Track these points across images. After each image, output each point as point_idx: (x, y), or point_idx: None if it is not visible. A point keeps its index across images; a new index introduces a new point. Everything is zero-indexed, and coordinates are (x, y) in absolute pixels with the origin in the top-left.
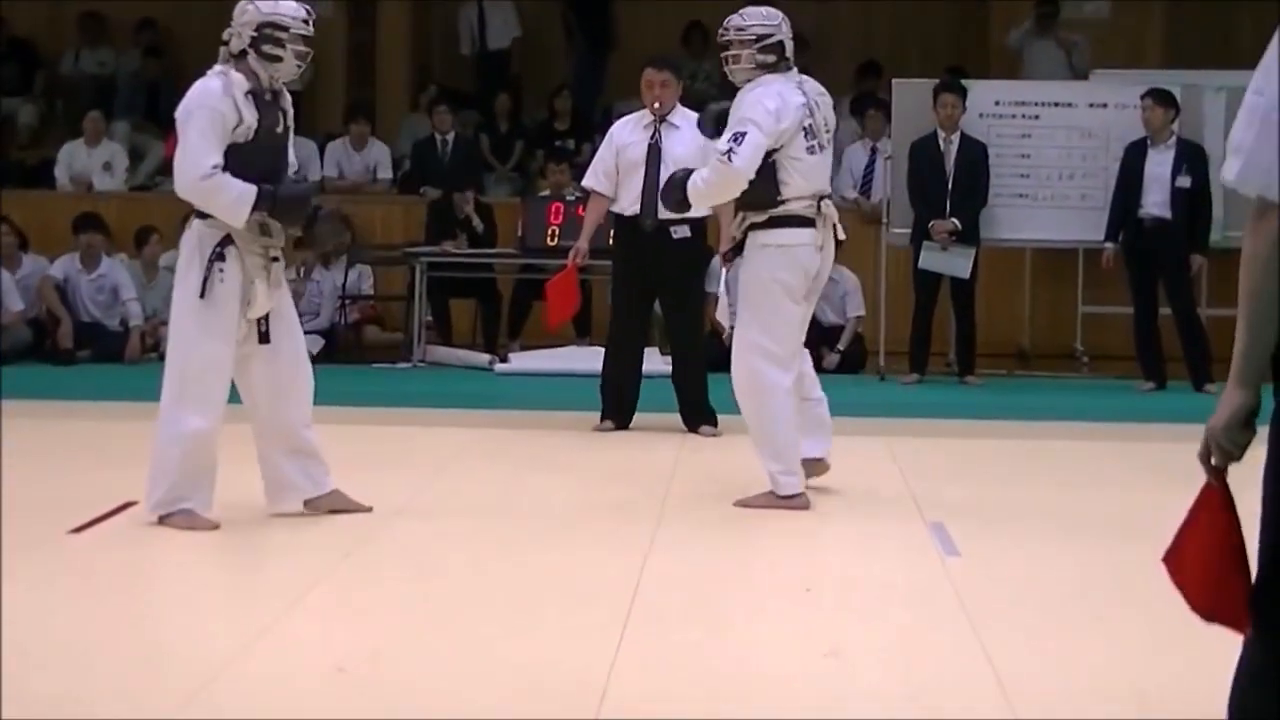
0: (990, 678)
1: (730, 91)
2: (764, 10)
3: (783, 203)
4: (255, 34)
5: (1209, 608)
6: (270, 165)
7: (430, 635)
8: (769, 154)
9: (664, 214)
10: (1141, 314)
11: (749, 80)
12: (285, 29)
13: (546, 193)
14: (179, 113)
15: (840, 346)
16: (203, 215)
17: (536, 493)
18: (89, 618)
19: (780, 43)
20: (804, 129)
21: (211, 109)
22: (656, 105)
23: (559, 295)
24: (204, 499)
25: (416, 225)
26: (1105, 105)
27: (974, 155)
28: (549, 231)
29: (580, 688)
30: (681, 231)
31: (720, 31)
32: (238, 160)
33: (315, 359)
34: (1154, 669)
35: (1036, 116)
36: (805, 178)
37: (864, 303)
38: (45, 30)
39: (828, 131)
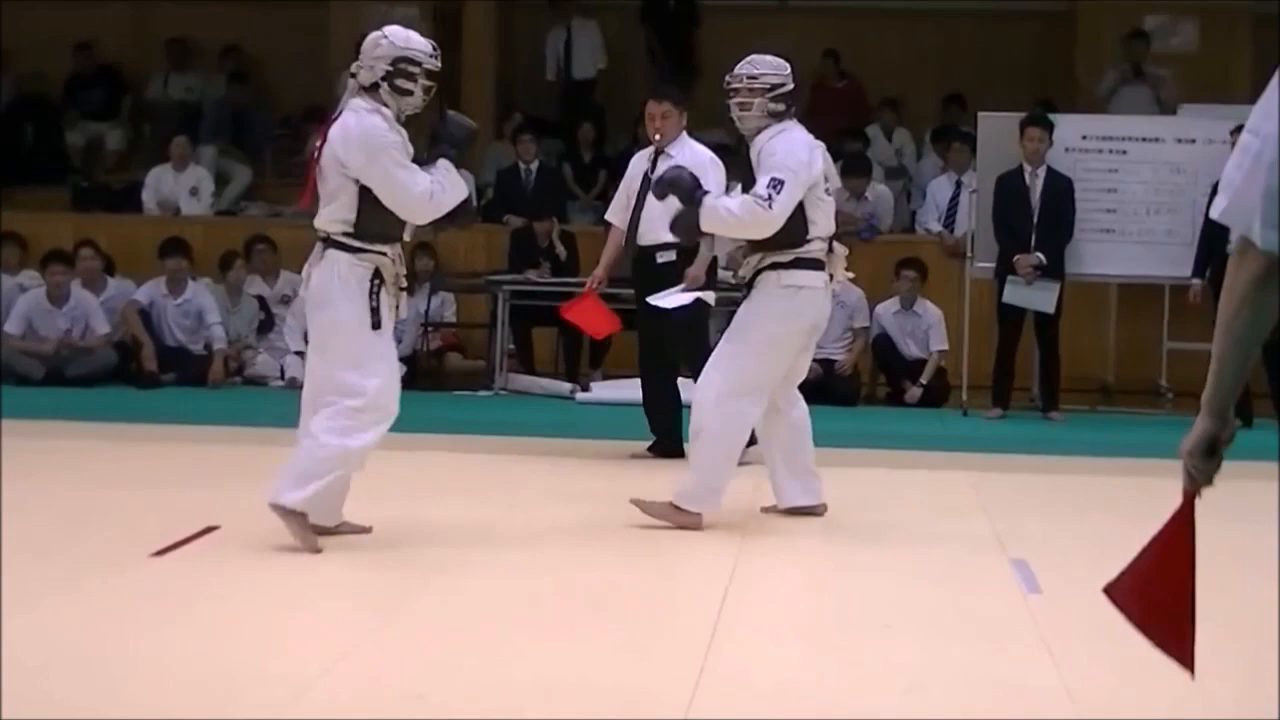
0: (1072, 716)
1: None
2: (772, 59)
3: (808, 243)
4: (390, 68)
5: (1143, 622)
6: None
7: (511, 662)
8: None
9: (643, 240)
10: None
11: (759, 128)
12: (418, 64)
13: None
14: (359, 160)
15: (923, 380)
16: (345, 248)
17: (616, 520)
18: (168, 640)
19: (791, 92)
20: (823, 175)
21: (394, 141)
22: (657, 136)
23: (582, 318)
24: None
25: (499, 253)
26: (1193, 140)
27: (1059, 189)
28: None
29: (660, 714)
30: (665, 256)
31: (727, 80)
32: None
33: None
34: (1241, 708)
35: (1124, 151)
36: (825, 219)
37: (947, 336)
38: (132, 55)
39: (827, 180)
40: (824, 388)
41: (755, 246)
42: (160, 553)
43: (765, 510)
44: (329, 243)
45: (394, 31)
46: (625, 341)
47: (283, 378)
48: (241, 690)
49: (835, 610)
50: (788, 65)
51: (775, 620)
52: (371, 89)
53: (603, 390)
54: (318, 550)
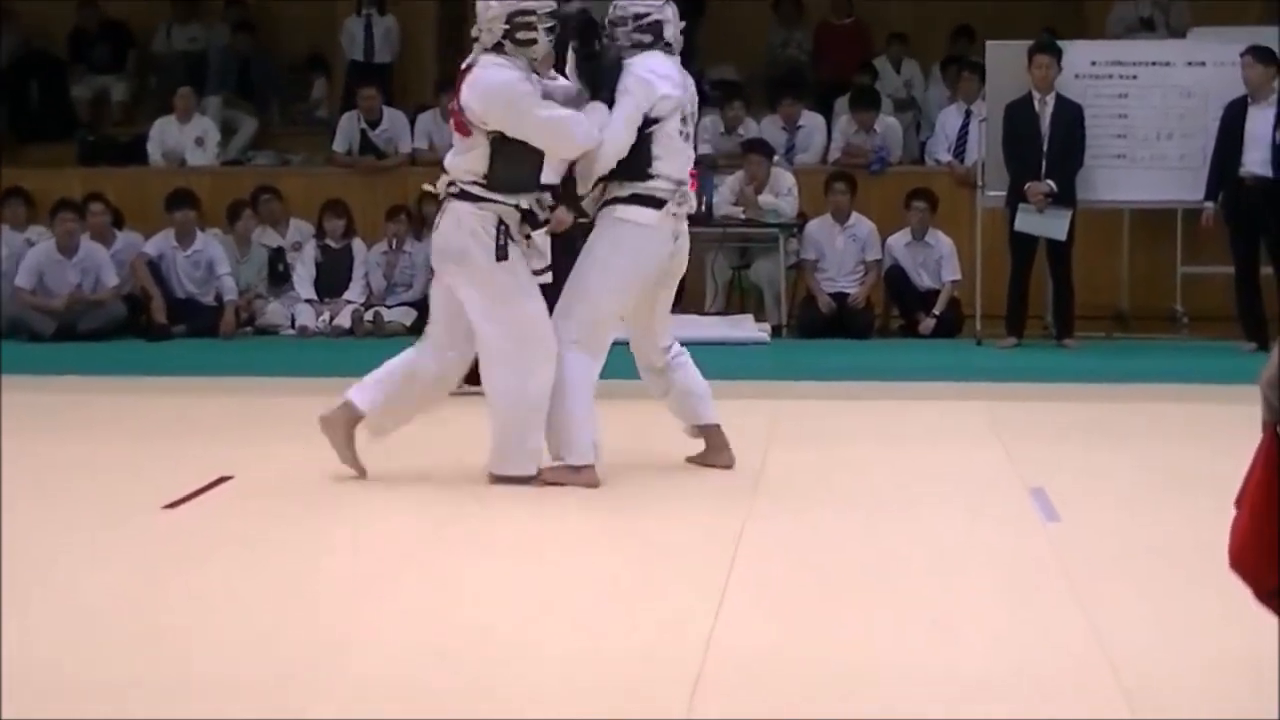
0: (1095, 645)
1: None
2: None
3: (651, 178)
4: (507, 25)
5: (1234, 557)
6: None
7: (533, 618)
8: (643, 126)
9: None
10: (1242, 274)
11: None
12: (533, 12)
13: None
14: (498, 112)
15: (936, 311)
16: (469, 198)
17: (626, 458)
18: (182, 590)
19: (658, 23)
20: (681, 113)
21: (528, 90)
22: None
23: None
24: (526, 464)
25: None
26: (1204, 64)
27: (1070, 116)
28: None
29: (679, 658)
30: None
31: (609, 10)
32: (519, 142)
33: (408, 330)
34: (1267, 631)
35: (1134, 76)
36: (675, 159)
37: (959, 266)
38: (137, 8)
39: (694, 121)
40: (838, 321)
41: (602, 178)
42: (173, 504)
43: (689, 460)
44: (453, 194)
45: None
46: None
47: (293, 326)
48: (264, 645)
49: (853, 547)
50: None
51: (794, 558)
52: (496, 48)
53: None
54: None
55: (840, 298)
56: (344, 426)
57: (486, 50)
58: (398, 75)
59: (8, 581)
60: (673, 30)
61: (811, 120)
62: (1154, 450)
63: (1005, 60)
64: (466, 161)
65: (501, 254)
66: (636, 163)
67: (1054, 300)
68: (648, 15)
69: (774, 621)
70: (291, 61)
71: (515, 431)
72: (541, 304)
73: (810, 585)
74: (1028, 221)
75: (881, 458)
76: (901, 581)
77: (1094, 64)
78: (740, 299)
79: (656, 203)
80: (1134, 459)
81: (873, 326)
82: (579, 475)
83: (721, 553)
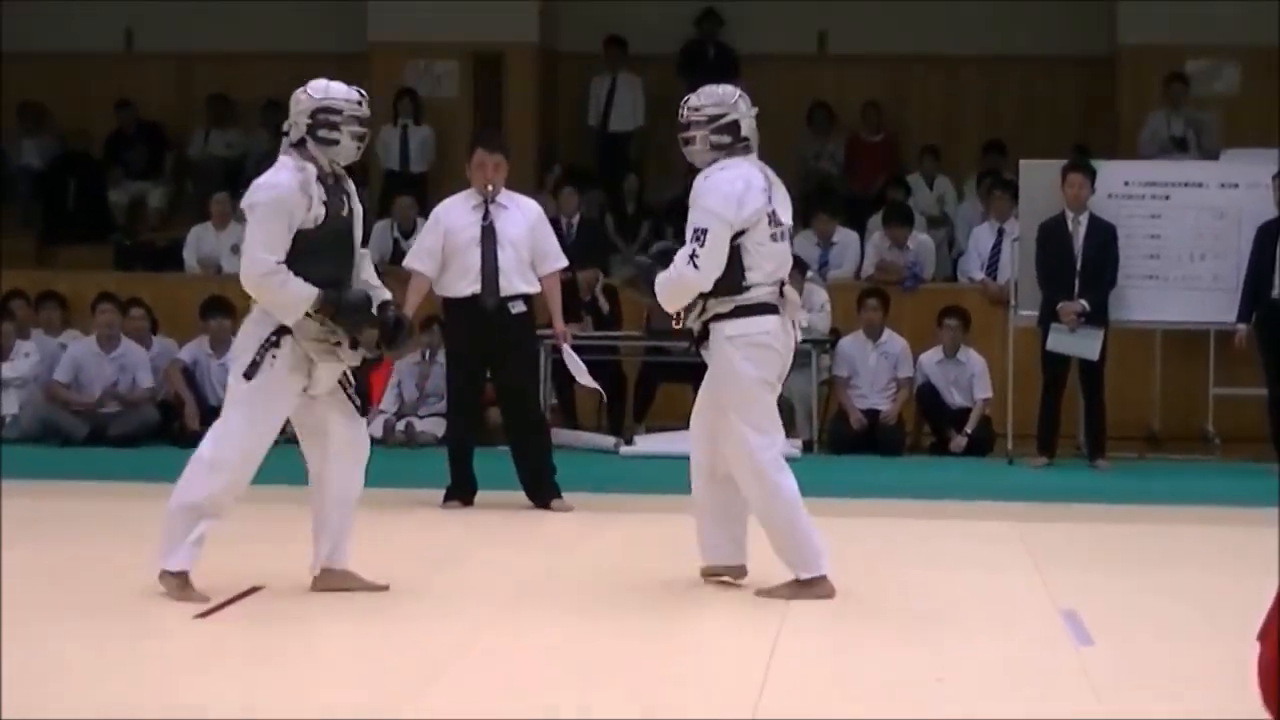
0: None
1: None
2: (721, 89)
3: (747, 289)
4: (310, 120)
5: (1265, 694)
6: (337, 250)
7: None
8: (734, 238)
9: (504, 292)
10: (1275, 395)
11: (706, 163)
12: (339, 111)
13: None
14: (244, 204)
15: (968, 429)
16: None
17: (661, 573)
18: (212, 701)
19: (735, 123)
20: (768, 215)
21: (277, 201)
22: (489, 187)
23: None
24: (177, 558)
25: (541, 307)
26: (1237, 185)
27: (1103, 236)
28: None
29: None
30: (518, 307)
31: (679, 113)
32: (305, 247)
33: (440, 441)
34: None
35: (1167, 197)
36: (771, 263)
37: (991, 385)
38: (174, 113)
39: (789, 220)
40: (869, 437)
41: (699, 295)
42: (204, 614)
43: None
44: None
45: (314, 84)
46: (668, 394)
47: None
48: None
49: (884, 665)
50: (736, 94)
51: (823, 676)
52: (299, 145)
53: (647, 443)
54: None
55: (872, 414)
56: (339, 578)
57: (291, 148)
58: (433, 183)
59: (37, 688)
60: (749, 125)
61: (845, 236)
62: (1187, 574)
63: (1039, 179)
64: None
65: (251, 371)
66: (731, 277)
67: (1086, 420)
68: (724, 116)
69: None
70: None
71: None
72: (267, 438)
73: (841, 707)
74: (1060, 341)
75: (912, 576)
76: (934, 702)
77: (1127, 184)
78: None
79: (767, 309)
80: (1166, 582)
81: (904, 444)
82: (812, 587)
83: (753, 673)
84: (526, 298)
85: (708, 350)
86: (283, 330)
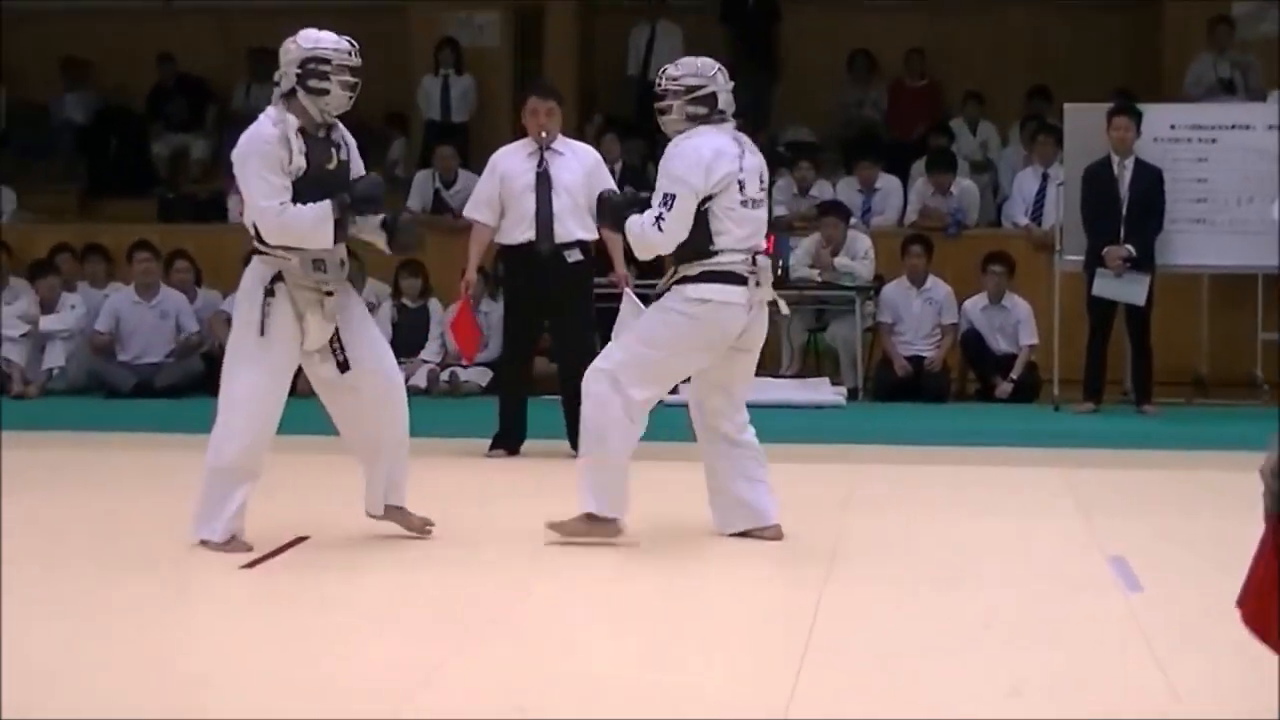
0: (1180, 715)
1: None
2: (699, 61)
3: (715, 254)
4: (300, 70)
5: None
6: (317, 201)
7: (611, 672)
8: (702, 204)
9: (559, 238)
10: None
11: (677, 132)
12: (328, 61)
13: None
14: (234, 158)
15: (1013, 376)
16: (260, 251)
17: (699, 522)
18: (260, 652)
19: (714, 95)
20: (739, 182)
21: (263, 150)
22: (543, 134)
23: (462, 332)
24: (215, 528)
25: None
26: None
27: (1149, 180)
28: None
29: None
30: (574, 255)
31: (656, 82)
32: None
33: (485, 390)
34: None
35: (1213, 140)
36: (742, 229)
37: (1037, 331)
38: (215, 67)
39: (763, 189)
40: (914, 384)
41: (669, 257)
42: (251, 565)
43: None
44: (253, 248)
45: (303, 34)
46: None
47: None
48: (338, 702)
49: (930, 612)
50: (715, 66)
51: (871, 625)
52: (290, 95)
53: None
54: (248, 548)
55: (917, 361)
56: (400, 517)
57: (281, 99)
58: (474, 135)
59: (83, 637)
60: (726, 99)
61: (888, 183)
62: (1235, 519)
63: (1084, 123)
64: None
65: (262, 326)
66: (699, 241)
67: (1132, 365)
68: (702, 88)
69: (852, 690)
70: (366, 120)
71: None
72: (275, 383)
73: (888, 653)
74: (1106, 286)
75: (958, 523)
76: (980, 650)
77: (1173, 127)
78: (816, 362)
79: (734, 278)
80: (1215, 528)
81: (949, 390)
82: (603, 527)
83: (799, 620)
84: (583, 246)
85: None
86: (278, 279)
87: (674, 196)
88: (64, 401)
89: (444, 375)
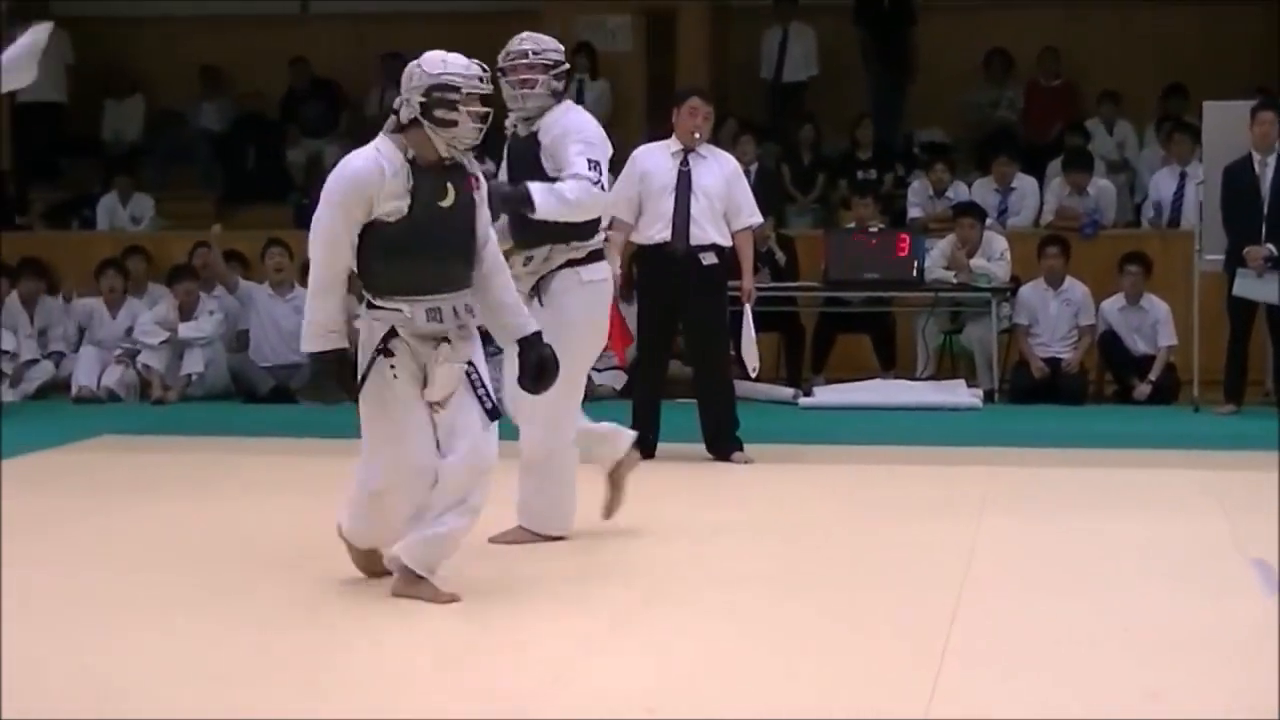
0: None
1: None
2: (547, 38)
3: (596, 234)
4: (425, 99)
5: None
6: (425, 244)
7: (737, 675)
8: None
9: (694, 240)
10: None
11: (543, 108)
12: (457, 89)
13: (852, 225)
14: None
15: (1152, 377)
16: (370, 305)
17: (837, 526)
18: (387, 649)
19: (567, 72)
20: None
21: (343, 186)
22: (695, 134)
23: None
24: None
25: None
26: None
27: None
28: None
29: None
30: (709, 258)
31: (505, 55)
32: (380, 241)
33: (619, 394)
34: None
35: None
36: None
37: (1175, 332)
38: (348, 73)
39: None
40: (1051, 386)
41: (540, 239)
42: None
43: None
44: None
45: (429, 57)
46: (846, 345)
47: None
48: (463, 704)
49: (1071, 614)
50: (561, 46)
51: (1009, 626)
52: (412, 124)
53: (825, 394)
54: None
55: (1054, 363)
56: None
57: (400, 128)
58: (612, 139)
59: (220, 642)
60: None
61: (1024, 183)
62: None
63: (1223, 121)
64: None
65: (361, 383)
66: (592, 221)
67: (1274, 366)
68: (561, 64)
69: (990, 691)
70: (501, 123)
71: None
72: (398, 451)
73: (1027, 655)
74: (1246, 286)
75: (1097, 526)
76: (1119, 653)
77: None
78: (952, 364)
79: (603, 254)
80: None
81: (1087, 392)
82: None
83: (936, 619)
84: (719, 250)
85: (548, 297)
86: (391, 334)
87: (599, 162)
88: (202, 407)
89: None
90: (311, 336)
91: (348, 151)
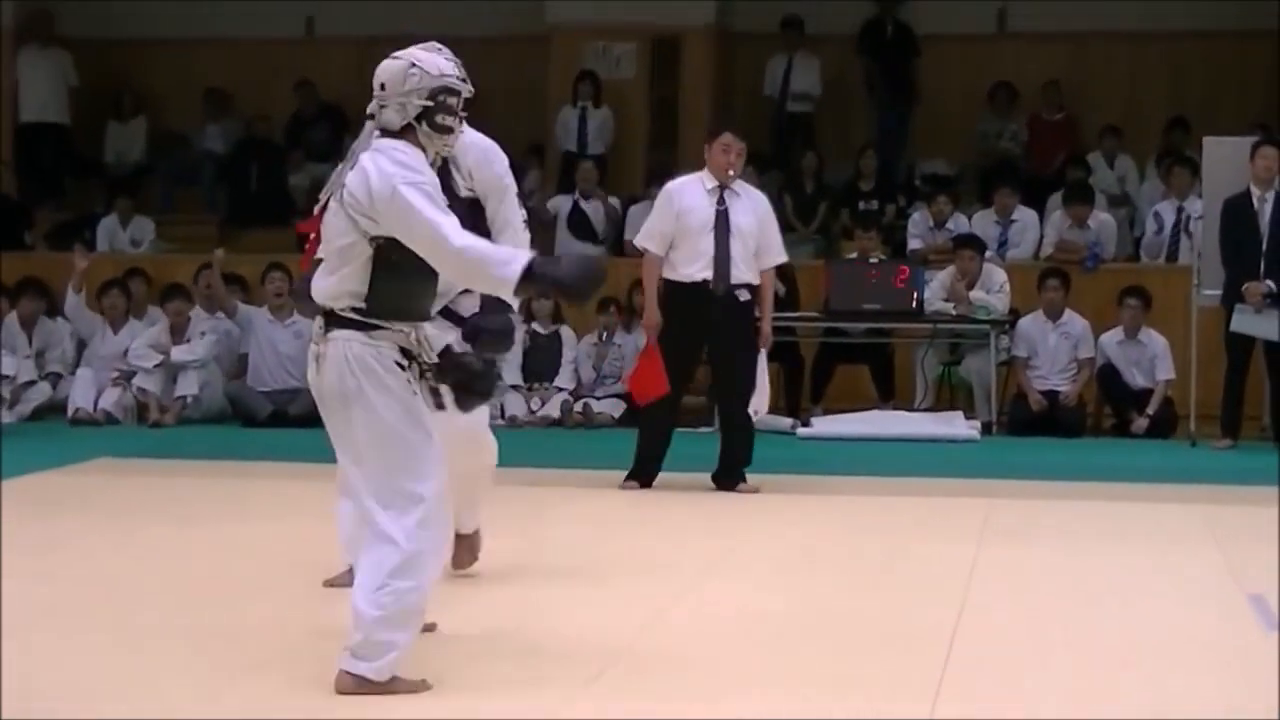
0: None
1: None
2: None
3: None
4: (430, 103)
5: None
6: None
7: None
8: None
9: (733, 280)
10: None
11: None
12: (457, 93)
13: (853, 255)
14: (378, 203)
15: (1150, 410)
16: (355, 325)
17: (834, 556)
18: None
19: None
20: None
21: (428, 177)
22: (729, 172)
23: (649, 377)
24: None
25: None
26: None
27: None
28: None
29: None
30: (744, 295)
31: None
32: (403, 258)
33: (617, 422)
34: None
35: None
36: None
37: (1174, 365)
38: (354, 97)
39: None
40: (1049, 419)
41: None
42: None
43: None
44: (333, 319)
45: (424, 58)
46: (845, 376)
47: (503, 417)
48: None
49: (1069, 645)
50: None
51: (1006, 660)
52: (405, 130)
53: (824, 425)
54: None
55: (1052, 395)
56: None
57: (386, 134)
58: (610, 167)
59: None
60: None
61: (1025, 215)
62: None
63: (1222, 156)
64: (338, 282)
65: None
66: None
67: (1271, 401)
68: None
69: (990, 711)
70: (505, 149)
71: None
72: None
73: (1022, 688)
74: (1244, 322)
75: (1094, 559)
76: (1116, 687)
77: None
78: (950, 395)
79: None
80: None
81: (1085, 425)
82: None
83: (935, 651)
84: (751, 287)
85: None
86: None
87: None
88: (200, 430)
89: (577, 406)
90: (504, 261)
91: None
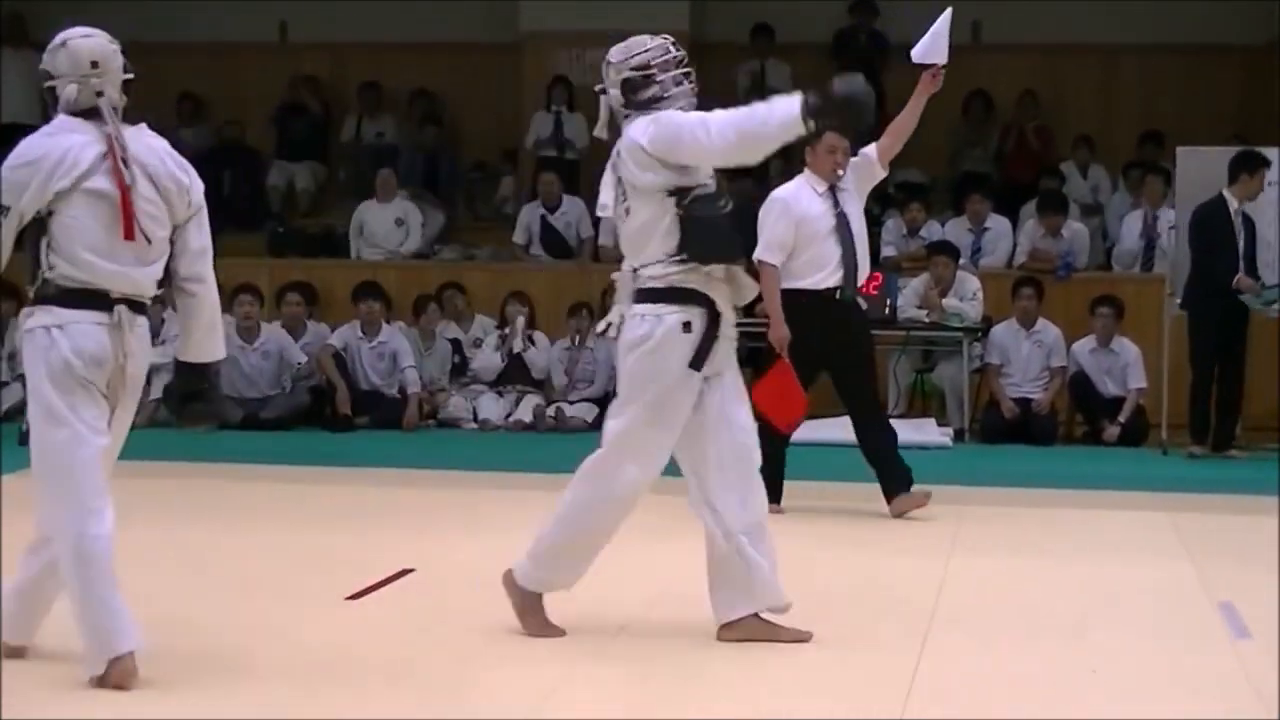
0: None
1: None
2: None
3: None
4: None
5: None
6: None
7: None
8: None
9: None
10: None
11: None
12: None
13: None
14: (658, 146)
15: (1121, 419)
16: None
17: (804, 563)
18: (366, 684)
19: None
20: None
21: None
22: (837, 172)
23: (785, 398)
24: None
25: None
26: None
27: (1251, 227)
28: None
29: None
30: (863, 302)
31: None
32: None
33: (589, 426)
34: None
35: None
36: None
37: (1145, 375)
38: (328, 99)
39: None
40: (1022, 426)
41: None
42: (356, 595)
43: None
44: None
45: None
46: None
47: (476, 420)
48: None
49: (1037, 656)
50: None
51: (976, 668)
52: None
53: (806, 431)
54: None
55: (1024, 403)
56: None
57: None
58: (585, 171)
59: (196, 661)
60: None
61: (998, 223)
62: None
63: (1195, 166)
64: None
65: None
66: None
67: (1217, 407)
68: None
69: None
70: (478, 156)
71: None
72: None
73: (994, 697)
74: (1253, 301)
75: (1065, 567)
76: (1086, 696)
77: None
78: (923, 402)
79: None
80: None
81: (1057, 433)
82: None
83: (904, 661)
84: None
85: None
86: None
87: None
88: (173, 433)
89: (550, 411)
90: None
91: (318, 178)
